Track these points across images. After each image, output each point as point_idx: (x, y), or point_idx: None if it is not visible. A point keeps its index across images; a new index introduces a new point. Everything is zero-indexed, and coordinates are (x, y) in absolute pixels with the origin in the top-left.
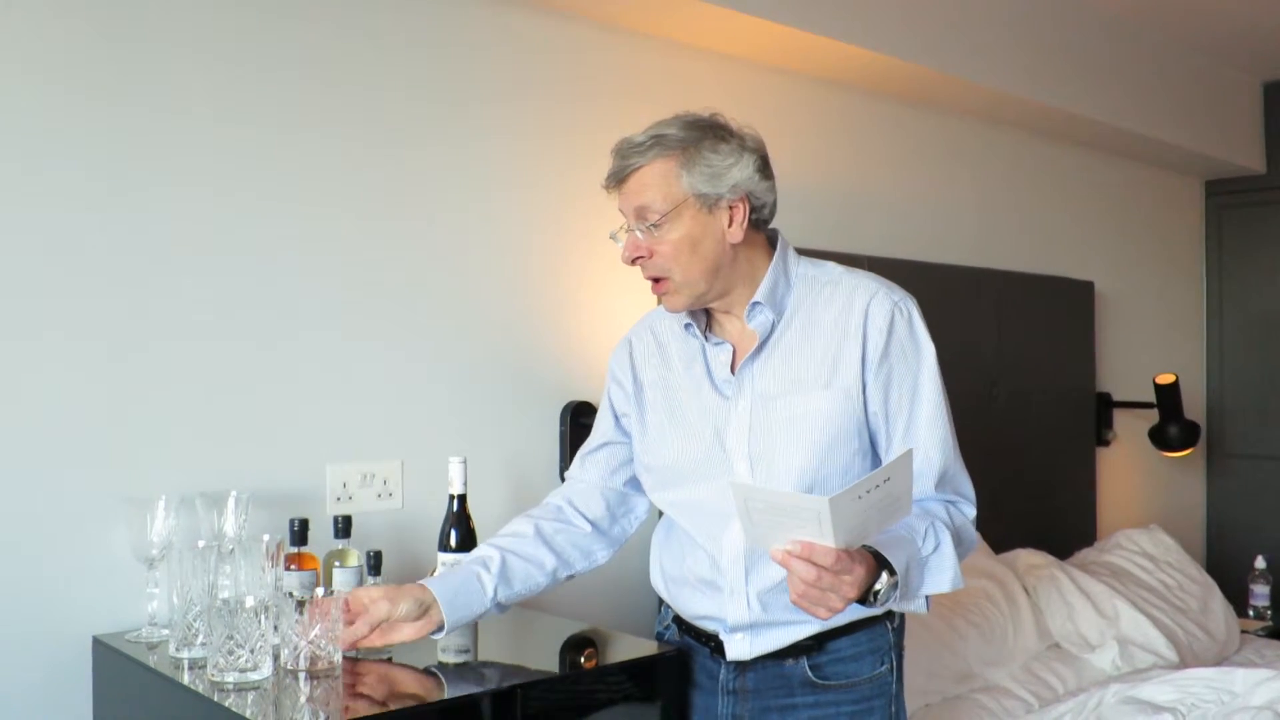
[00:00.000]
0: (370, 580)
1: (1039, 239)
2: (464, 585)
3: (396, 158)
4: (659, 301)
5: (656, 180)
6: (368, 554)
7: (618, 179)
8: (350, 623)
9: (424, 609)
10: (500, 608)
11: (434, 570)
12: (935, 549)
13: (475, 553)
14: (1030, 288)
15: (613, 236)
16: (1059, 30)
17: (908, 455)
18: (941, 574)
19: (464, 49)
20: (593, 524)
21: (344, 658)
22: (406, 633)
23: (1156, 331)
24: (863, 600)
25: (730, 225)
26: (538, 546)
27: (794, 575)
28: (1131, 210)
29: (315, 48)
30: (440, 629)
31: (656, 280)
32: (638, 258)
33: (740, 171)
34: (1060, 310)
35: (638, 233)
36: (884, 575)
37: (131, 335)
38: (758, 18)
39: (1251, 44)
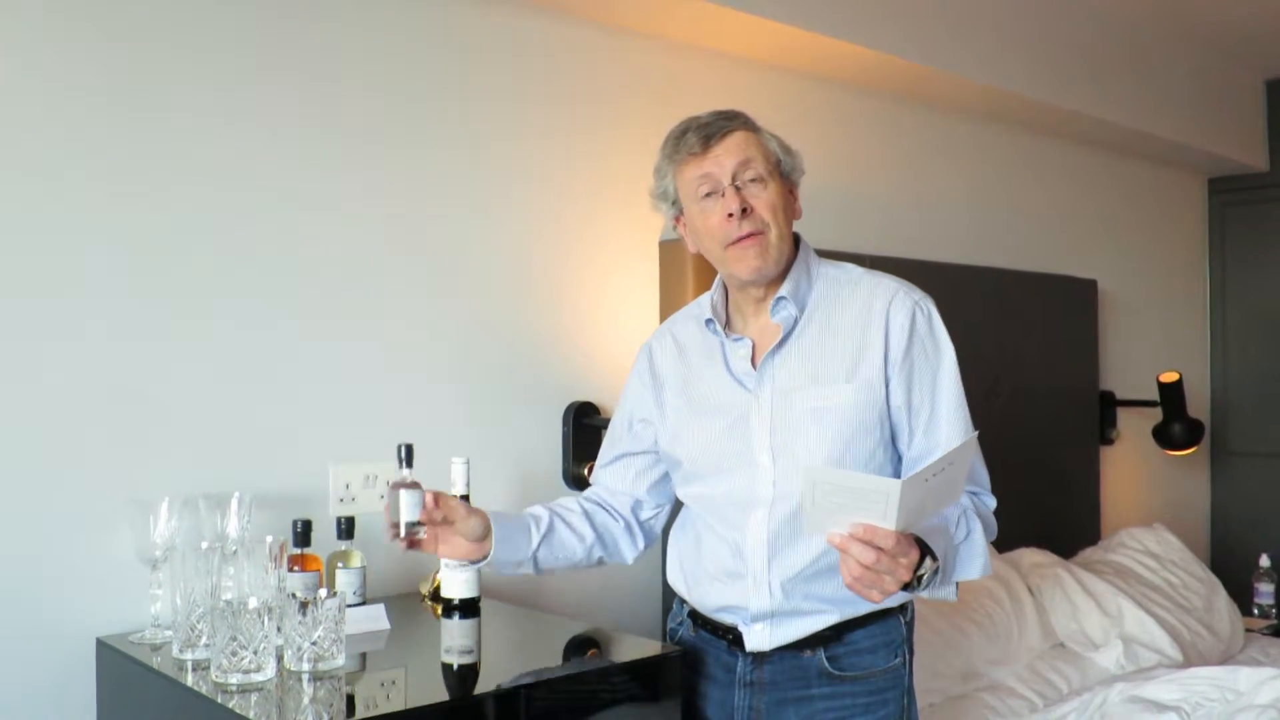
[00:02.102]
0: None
1: (1041, 237)
2: (516, 531)
3: (397, 158)
4: (734, 265)
5: (754, 142)
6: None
7: (718, 135)
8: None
9: (484, 534)
10: (535, 565)
11: (436, 572)
12: (967, 536)
13: (530, 510)
14: (1032, 286)
15: (671, 206)
16: (1060, 27)
17: (971, 442)
18: (973, 561)
19: (464, 49)
20: (624, 521)
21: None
22: (460, 549)
23: (1160, 330)
24: (906, 585)
25: (796, 203)
26: (582, 520)
27: (849, 558)
28: (1134, 208)
29: (316, 48)
30: (484, 559)
31: (751, 235)
32: (744, 209)
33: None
34: (1063, 309)
35: (736, 188)
36: (927, 560)
37: (134, 336)
38: (755, 16)
39: (1255, 41)
